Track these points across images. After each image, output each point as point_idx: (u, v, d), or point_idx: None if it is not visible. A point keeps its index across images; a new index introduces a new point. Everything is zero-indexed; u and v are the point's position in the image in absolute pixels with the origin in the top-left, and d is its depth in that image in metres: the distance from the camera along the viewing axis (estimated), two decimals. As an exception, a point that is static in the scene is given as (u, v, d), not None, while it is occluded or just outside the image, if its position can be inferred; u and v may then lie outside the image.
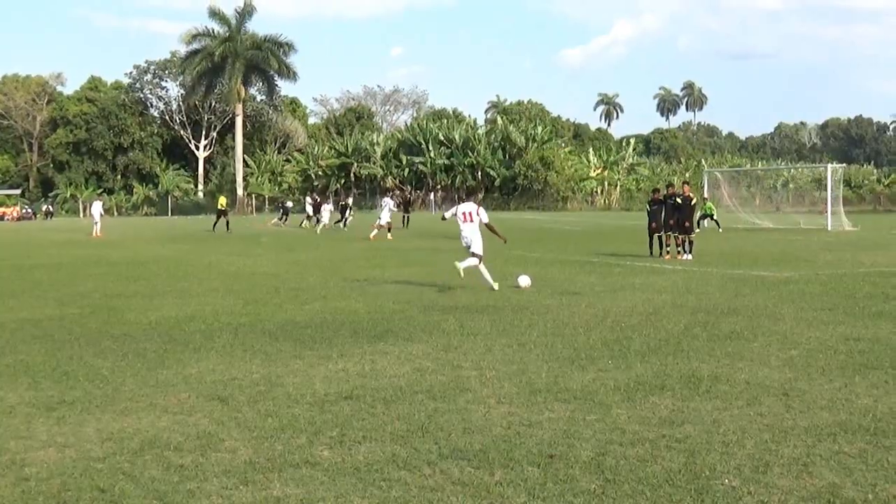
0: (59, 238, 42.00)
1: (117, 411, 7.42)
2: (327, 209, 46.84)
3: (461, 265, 16.24)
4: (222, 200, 50.04)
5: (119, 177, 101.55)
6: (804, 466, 5.73)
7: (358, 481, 5.59)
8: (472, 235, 16.60)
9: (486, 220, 16.79)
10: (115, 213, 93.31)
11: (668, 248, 23.85)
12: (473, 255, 16.47)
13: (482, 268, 16.39)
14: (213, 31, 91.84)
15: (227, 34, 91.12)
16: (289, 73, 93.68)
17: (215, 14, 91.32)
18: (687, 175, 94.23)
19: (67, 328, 12.11)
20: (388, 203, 40.91)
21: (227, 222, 45.51)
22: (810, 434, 6.43)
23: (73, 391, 8.18)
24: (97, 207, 48.16)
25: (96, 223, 44.87)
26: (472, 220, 16.65)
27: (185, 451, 6.25)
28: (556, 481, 5.53)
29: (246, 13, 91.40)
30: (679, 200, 23.92)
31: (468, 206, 16.97)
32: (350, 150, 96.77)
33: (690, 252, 23.50)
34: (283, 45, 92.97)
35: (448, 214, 17.38)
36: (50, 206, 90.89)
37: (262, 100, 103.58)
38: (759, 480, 5.48)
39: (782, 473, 5.61)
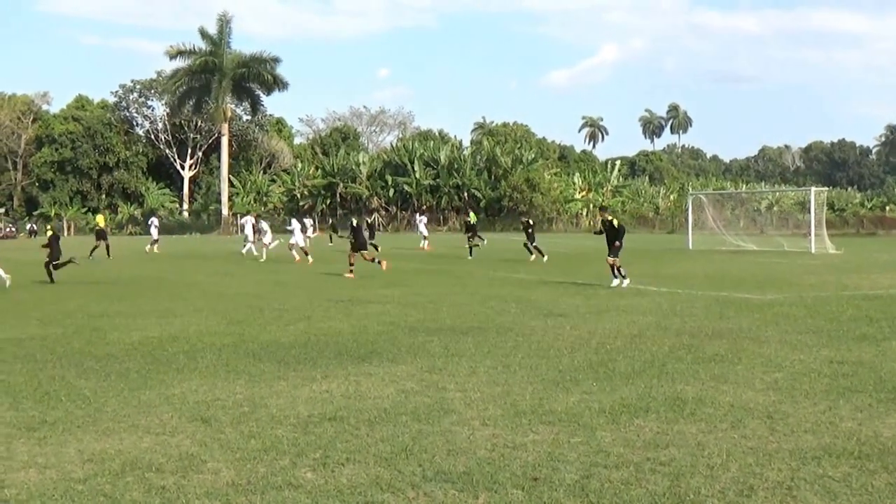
0: (41, 257, 41.68)
1: (99, 432, 7.36)
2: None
3: None
4: (100, 219, 42.06)
5: (104, 196, 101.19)
6: (788, 490, 5.73)
7: (341, 504, 5.56)
8: None
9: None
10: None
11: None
12: None
13: None
14: (197, 48, 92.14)
15: (211, 49, 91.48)
16: (278, 84, 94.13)
17: (205, 35, 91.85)
18: (672, 197, 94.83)
19: (50, 348, 12.03)
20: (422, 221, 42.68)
21: (108, 247, 38.19)
22: (795, 457, 6.43)
23: (55, 411, 8.12)
24: None
25: None
26: None
27: (167, 473, 6.20)
28: (540, 504, 5.51)
29: (225, 22, 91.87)
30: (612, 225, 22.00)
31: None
32: (336, 170, 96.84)
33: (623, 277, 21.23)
34: (269, 61, 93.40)
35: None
36: (34, 225, 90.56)
37: (247, 119, 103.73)
38: (744, 504, 5.48)
39: (767, 497, 5.60)
